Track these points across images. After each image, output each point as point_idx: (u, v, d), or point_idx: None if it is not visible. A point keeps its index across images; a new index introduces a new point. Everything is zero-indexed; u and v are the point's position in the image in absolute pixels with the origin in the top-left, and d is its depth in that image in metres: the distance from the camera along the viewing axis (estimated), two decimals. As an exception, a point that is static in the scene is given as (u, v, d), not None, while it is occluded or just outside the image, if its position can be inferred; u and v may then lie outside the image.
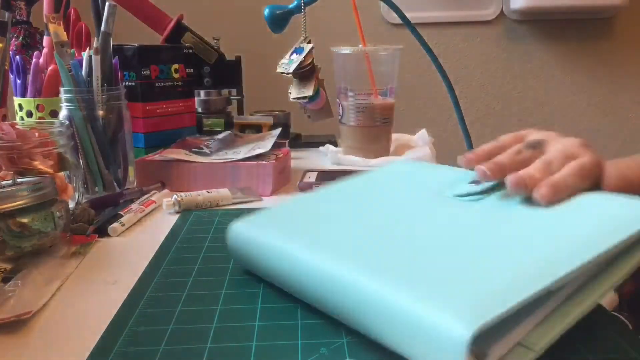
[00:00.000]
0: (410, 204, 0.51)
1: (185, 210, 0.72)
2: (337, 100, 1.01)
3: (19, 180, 0.58)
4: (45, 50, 0.91)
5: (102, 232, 0.63)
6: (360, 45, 1.00)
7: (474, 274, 0.37)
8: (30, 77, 0.87)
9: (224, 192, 0.75)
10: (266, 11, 1.04)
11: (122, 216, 0.66)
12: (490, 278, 0.36)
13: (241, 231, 0.51)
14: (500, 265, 0.37)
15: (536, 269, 0.36)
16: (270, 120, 1.11)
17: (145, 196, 0.75)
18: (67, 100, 0.74)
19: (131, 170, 0.80)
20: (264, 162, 0.79)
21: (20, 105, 0.88)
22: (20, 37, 0.99)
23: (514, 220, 0.43)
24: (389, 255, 0.42)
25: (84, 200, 0.71)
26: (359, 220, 0.50)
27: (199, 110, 1.13)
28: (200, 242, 0.60)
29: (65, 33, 0.77)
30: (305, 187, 0.81)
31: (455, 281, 0.37)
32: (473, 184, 0.49)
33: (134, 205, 0.70)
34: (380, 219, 0.49)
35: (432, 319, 0.33)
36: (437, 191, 0.51)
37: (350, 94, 0.99)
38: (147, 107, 0.92)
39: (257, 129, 1.10)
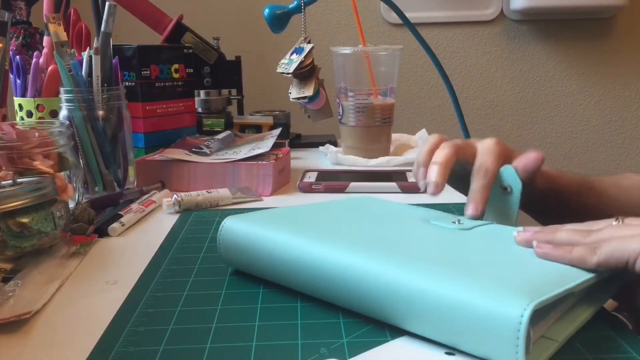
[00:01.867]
0: (405, 222, 0.51)
1: (185, 210, 0.72)
2: (337, 100, 1.01)
3: (19, 180, 0.58)
4: (45, 50, 0.91)
5: (102, 232, 0.63)
6: (360, 45, 1.00)
7: (507, 272, 0.39)
8: (30, 77, 0.87)
9: (224, 192, 0.75)
10: (266, 11, 1.04)
11: (122, 216, 0.66)
12: (524, 275, 0.38)
13: (237, 226, 0.50)
14: (526, 269, 0.40)
15: (562, 273, 0.39)
16: (270, 120, 1.11)
17: (145, 196, 0.75)
18: (67, 100, 0.74)
19: (131, 170, 0.80)
20: (264, 162, 0.79)
21: (20, 105, 0.88)
22: (20, 37, 0.99)
23: (512, 244, 0.45)
24: (413, 251, 0.42)
25: (84, 200, 0.71)
26: (361, 224, 0.50)
27: (199, 110, 1.13)
28: (200, 242, 0.60)
29: (65, 33, 0.77)
30: (305, 187, 0.81)
31: (495, 274, 0.38)
32: (455, 223, 0.50)
33: (134, 205, 0.70)
34: (381, 227, 0.50)
35: (486, 302, 0.34)
36: (420, 220, 0.52)
37: (350, 94, 0.99)
38: (147, 107, 0.92)
39: (257, 129, 1.10)
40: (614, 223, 0.43)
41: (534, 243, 0.42)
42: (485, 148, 0.53)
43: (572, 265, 0.40)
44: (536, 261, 0.41)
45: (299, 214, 0.53)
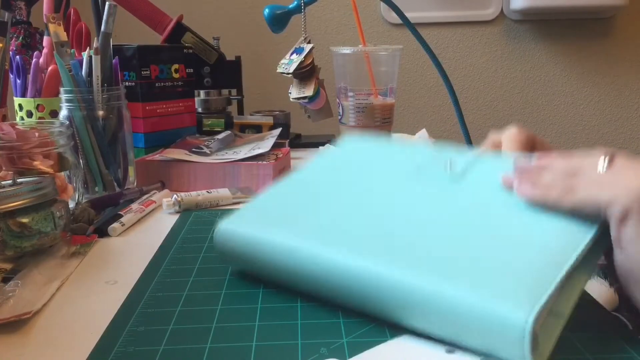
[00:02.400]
0: (393, 184, 0.50)
1: (185, 210, 0.72)
2: (337, 100, 1.01)
3: (19, 180, 0.58)
4: (45, 50, 0.91)
5: (102, 232, 0.63)
6: (360, 45, 1.00)
7: (504, 256, 0.39)
8: (30, 77, 0.87)
9: (224, 192, 0.75)
10: (266, 11, 1.04)
11: (122, 216, 0.66)
12: (522, 259, 0.38)
13: (232, 230, 0.49)
14: (522, 248, 0.40)
15: (557, 247, 0.39)
16: (270, 120, 1.11)
17: (145, 196, 0.75)
18: (67, 100, 0.74)
19: (131, 170, 0.80)
20: (264, 162, 0.79)
21: (20, 105, 0.88)
22: (20, 37, 0.99)
23: (504, 210, 0.44)
24: (408, 242, 0.42)
25: (84, 200, 0.71)
26: (353, 206, 0.49)
27: (199, 110, 1.13)
28: (200, 242, 0.60)
29: (65, 33, 0.77)
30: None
31: (492, 266, 0.38)
32: (447, 169, 0.50)
33: (134, 205, 0.70)
34: (370, 203, 0.49)
35: (491, 308, 0.35)
36: (410, 175, 0.51)
37: (350, 94, 0.98)
38: (147, 107, 0.92)
39: (257, 129, 1.10)
40: (601, 161, 0.43)
41: (514, 184, 0.45)
42: (509, 136, 0.53)
43: (548, 206, 0.42)
44: (533, 232, 0.41)
45: (288, 202, 0.51)
